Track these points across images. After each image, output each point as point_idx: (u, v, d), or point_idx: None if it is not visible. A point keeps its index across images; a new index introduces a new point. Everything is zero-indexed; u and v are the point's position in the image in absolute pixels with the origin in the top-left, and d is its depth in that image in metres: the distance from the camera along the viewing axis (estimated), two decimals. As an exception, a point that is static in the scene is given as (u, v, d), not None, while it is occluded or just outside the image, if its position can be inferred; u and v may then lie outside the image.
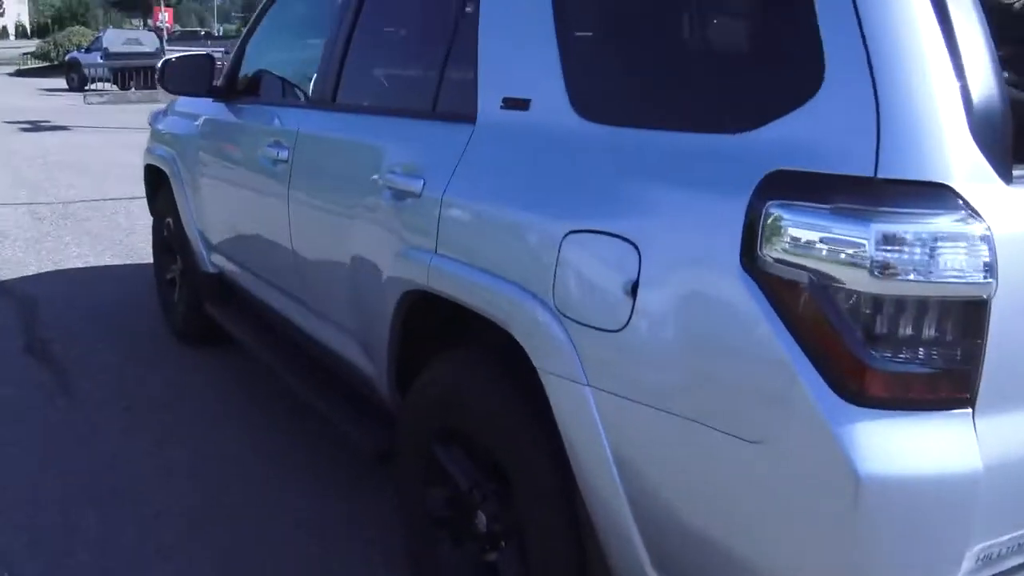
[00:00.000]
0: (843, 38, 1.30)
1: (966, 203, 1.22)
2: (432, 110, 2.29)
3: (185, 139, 3.90)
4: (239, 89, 3.57)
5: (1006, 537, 1.34)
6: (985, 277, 1.22)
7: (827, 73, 1.32)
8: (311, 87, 2.96)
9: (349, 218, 2.51)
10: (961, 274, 1.21)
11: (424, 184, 2.12)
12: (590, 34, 1.91)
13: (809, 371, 1.28)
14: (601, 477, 1.63)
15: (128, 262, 5.82)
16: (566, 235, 1.67)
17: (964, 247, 1.21)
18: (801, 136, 1.34)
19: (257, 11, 3.56)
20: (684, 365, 1.46)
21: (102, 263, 5.80)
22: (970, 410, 1.27)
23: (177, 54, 3.69)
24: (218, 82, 3.60)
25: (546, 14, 1.90)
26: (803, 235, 1.28)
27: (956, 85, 1.25)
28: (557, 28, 1.86)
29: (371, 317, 2.44)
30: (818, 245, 1.26)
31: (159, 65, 3.62)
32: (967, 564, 1.30)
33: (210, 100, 3.68)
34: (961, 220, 1.22)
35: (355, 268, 2.50)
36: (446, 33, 2.29)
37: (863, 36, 1.28)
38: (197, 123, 3.79)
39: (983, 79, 1.26)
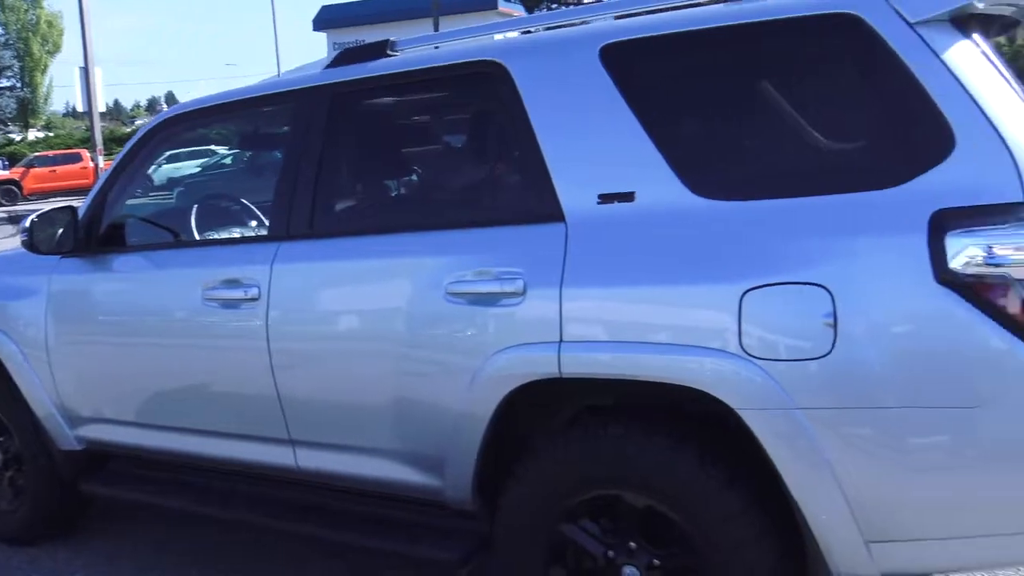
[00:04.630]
0: (963, 111, 1.89)
1: None
2: (486, 219, 2.47)
3: (26, 310, 3.38)
4: (109, 240, 3.26)
5: None
6: None
7: (957, 136, 1.89)
8: (275, 218, 2.87)
9: (391, 338, 2.53)
10: None
11: (525, 284, 2.30)
12: (701, 126, 2.28)
13: (1017, 343, 1.81)
14: (819, 479, 1.99)
15: None
16: (745, 293, 2.02)
17: None
18: (946, 182, 1.89)
19: (119, 158, 3.29)
20: (896, 367, 1.91)
21: None
22: None
23: (38, 211, 3.23)
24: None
25: (625, 113, 2.24)
26: (990, 249, 1.82)
27: None
28: (644, 123, 2.21)
29: (442, 427, 2.49)
30: (1006, 253, 1.81)
31: (27, 225, 3.15)
32: None
33: (53, 259, 3.30)
34: None
35: (408, 385, 2.53)
36: (478, 145, 2.50)
37: (982, 112, 1.87)
38: (44, 288, 3.33)
39: None
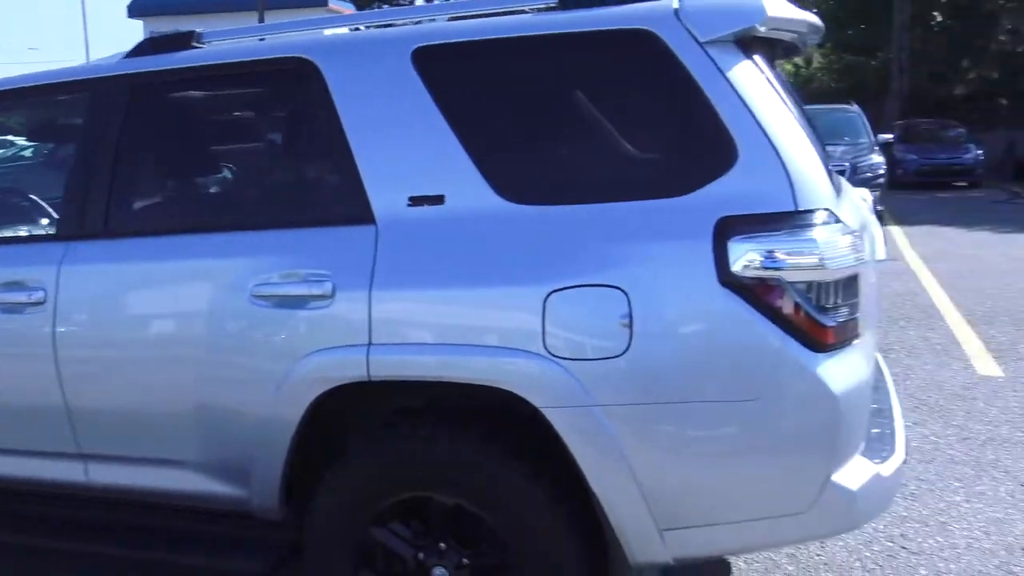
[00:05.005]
0: (745, 127, 2.03)
1: (838, 217, 2.05)
2: (294, 219, 2.40)
3: None
4: None
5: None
6: (857, 259, 2.05)
7: (740, 149, 2.03)
8: (65, 216, 2.66)
9: (191, 343, 2.42)
10: (849, 257, 2.03)
11: (334, 286, 2.26)
12: (511, 135, 2.31)
13: (788, 339, 1.97)
14: (616, 473, 2.08)
15: None
16: (548, 295, 2.08)
17: (849, 241, 2.03)
18: (730, 192, 2.03)
19: None
20: (685, 364, 2.03)
21: None
22: (859, 340, 2.10)
23: None
24: None
25: (436, 117, 2.25)
26: (765, 254, 1.97)
27: (810, 142, 2.08)
28: (454, 127, 2.23)
29: (247, 435, 2.41)
30: (781, 257, 1.96)
31: None
32: None
33: None
34: (841, 226, 2.04)
35: (210, 392, 2.43)
36: (287, 144, 2.43)
37: (761, 128, 2.03)
38: None
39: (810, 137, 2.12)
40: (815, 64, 29.15)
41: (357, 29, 2.78)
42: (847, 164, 10.75)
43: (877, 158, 11.79)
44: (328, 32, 2.65)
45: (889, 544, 3.22)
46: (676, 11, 2.13)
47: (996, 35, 25.56)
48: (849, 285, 2.06)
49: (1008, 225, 12.13)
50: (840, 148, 11.26)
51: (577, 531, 2.20)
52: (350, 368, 2.25)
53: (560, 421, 2.10)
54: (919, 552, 3.17)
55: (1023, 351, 5.76)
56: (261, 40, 2.71)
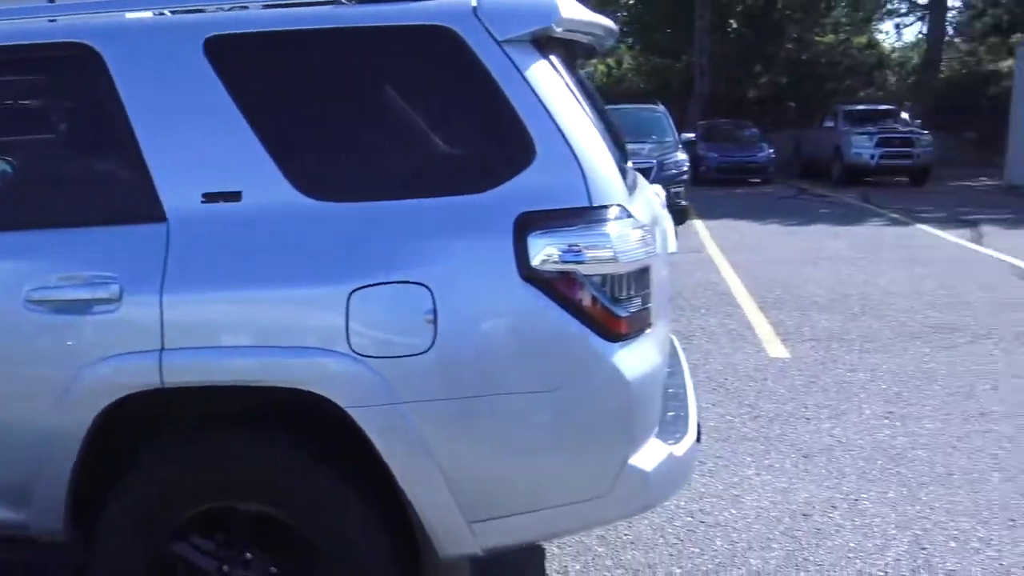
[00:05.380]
0: (542, 125, 2.09)
1: (630, 212, 2.15)
2: (75, 218, 2.23)
3: None
4: None
5: None
6: (648, 252, 2.16)
7: (537, 147, 2.08)
8: None
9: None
10: (640, 251, 2.13)
11: (121, 289, 2.12)
12: (308, 128, 2.23)
13: (585, 330, 2.05)
14: (424, 469, 2.08)
15: None
16: (352, 293, 2.05)
17: (640, 235, 2.13)
18: (528, 188, 2.08)
19: None
20: (489, 357, 2.06)
21: None
22: (651, 330, 2.22)
23: None
24: None
25: (230, 110, 2.16)
26: (563, 248, 2.03)
27: (604, 141, 2.17)
28: (251, 121, 2.15)
29: (23, 452, 2.23)
30: (577, 251, 2.03)
31: None
32: None
33: None
34: (633, 221, 2.13)
35: None
36: (65, 136, 2.26)
37: (557, 126, 2.09)
38: None
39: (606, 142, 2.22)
40: (626, 65, 30.54)
41: (162, 14, 2.61)
42: (654, 161, 11.27)
43: (681, 156, 12.47)
44: (129, 16, 2.46)
45: (689, 519, 3.43)
46: (475, 9, 2.15)
47: (784, 43, 27.83)
48: (641, 277, 2.17)
49: (794, 218, 13.24)
50: (647, 146, 11.81)
51: (388, 530, 2.18)
52: (141, 375, 2.12)
53: (367, 420, 2.07)
54: (715, 524, 3.39)
55: (807, 334, 6.30)
56: (52, 22, 2.49)
